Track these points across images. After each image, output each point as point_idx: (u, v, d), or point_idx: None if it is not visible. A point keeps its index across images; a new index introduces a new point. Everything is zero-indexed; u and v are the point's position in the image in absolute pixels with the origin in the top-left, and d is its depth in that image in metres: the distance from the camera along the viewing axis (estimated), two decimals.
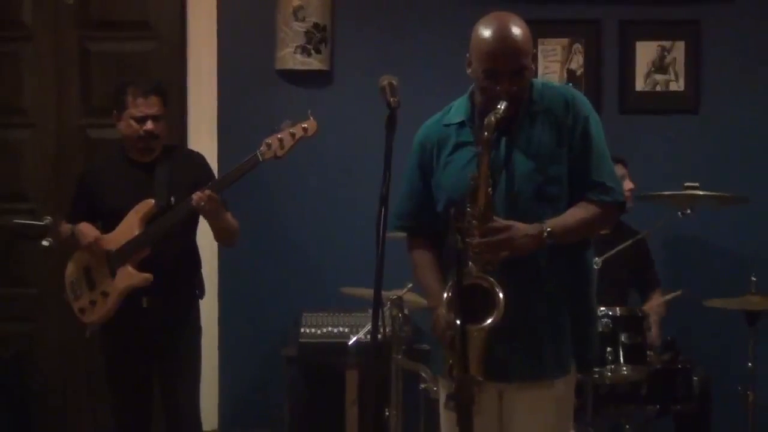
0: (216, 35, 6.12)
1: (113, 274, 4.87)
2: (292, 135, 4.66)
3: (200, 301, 5.14)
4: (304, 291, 6.05)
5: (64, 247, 5.11)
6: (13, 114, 6.21)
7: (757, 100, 6.10)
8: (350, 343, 5.41)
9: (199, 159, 5.14)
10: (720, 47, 6.10)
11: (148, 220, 4.84)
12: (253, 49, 6.14)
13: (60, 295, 5.91)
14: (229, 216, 4.93)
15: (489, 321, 3.45)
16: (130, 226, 4.85)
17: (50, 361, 6.20)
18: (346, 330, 5.64)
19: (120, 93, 4.91)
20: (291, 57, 6.04)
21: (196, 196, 4.67)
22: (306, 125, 4.68)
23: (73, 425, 6.21)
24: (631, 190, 5.46)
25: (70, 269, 5.07)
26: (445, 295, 3.51)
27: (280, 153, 4.67)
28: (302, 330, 5.72)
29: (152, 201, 4.85)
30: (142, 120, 4.86)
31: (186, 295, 5.06)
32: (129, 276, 4.82)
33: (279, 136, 4.66)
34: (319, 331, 5.70)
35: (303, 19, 6.02)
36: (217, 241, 5.08)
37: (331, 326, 5.70)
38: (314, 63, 6.06)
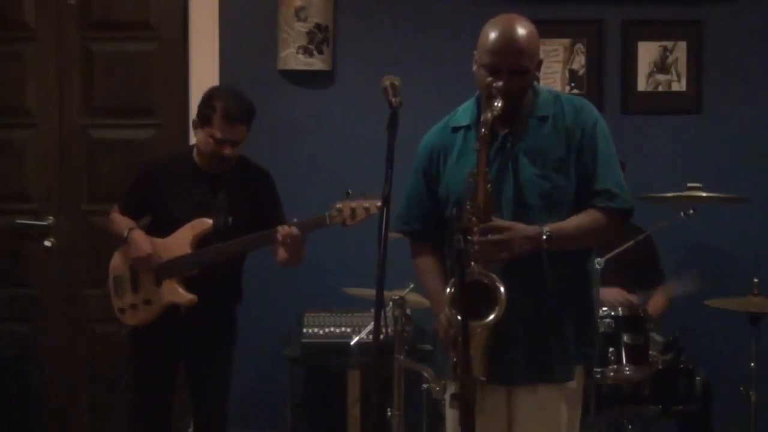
0: (218, 35, 6.11)
1: (159, 283, 4.81)
2: (366, 210, 4.54)
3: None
4: (307, 291, 6.05)
5: (113, 239, 5.00)
6: (16, 114, 6.21)
7: (760, 100, 6.09)
8: (352, 343, 5.43)
9: (264, 178, 5.00)
10: (722, 47, 6.10)
11: (201, 239, 4.76)
12: (255, 49, 6.15)
13: (60, 294, 5.94)
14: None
15: (491, 317, 3.46)
16: (182, 242, 4.77)
17: (50, 361, 6.19)
18: (349, 330, 5.64)
19: (208, 106, 4.76)
20: (293, 57, 6.05)
21: (283, 230, 4.63)
22: (380, 203, 4.58)
23: (73, 425, 6.21)
24: None
25: (116, 262, 4.97)
26: (448, 290, 3.51)
27: (349, 222, 4.57)
28: (305, 330, 5.72)
29: (210, 222, 4.76)
30: (221, 142, 4.72)
31: (226, 307, 5.02)
32: (175, 293, 4.77)
33: (352, 205, 4.55)
34: (321, 332, 5.70)
35: (305, 20, 6.02)
36: (280, 264, 4.94)
37: (334, 326, 5.71)
38: (316, 63, 6.06)
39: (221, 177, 4.84)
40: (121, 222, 4.94)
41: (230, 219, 4.79)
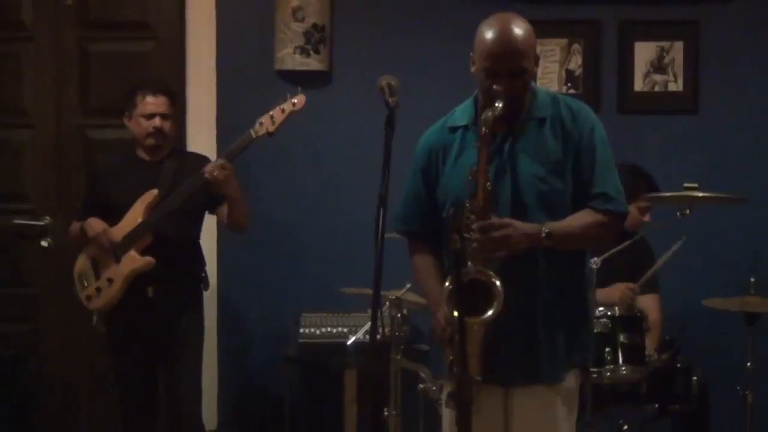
0: (215, 36, 6.12)
1: (118, 261, 5.02)
2: (282, 110, 4.86)
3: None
4: (304, 291, 6.05)
5: (75, 244, 5.26)
6: (13, 114, 6.22)
7: (756, 100, 6.10)
8: (349, 343, 5.43)
9: (206, 162, 5.21)
10: (718, 48, 6.10)
11: (152, 209, 5.01)
12: (252, 49, 6.15)
13: (60, 294, 5.94)
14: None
15: (489, 313, 3.47)
16: (135, 215, 5.03)
17: (50, 361, 6.21)
18: (345, 330, 5.64)
19: (130, 94, 5.15)
20: (290, 57, 6.05)
21: (208, 167, 4.87)
22: (295, 100, 4.87)
23: (73, 425, 6.22)
24: (645, 222, 5.47)
25: (79, 262, 5.22)
26: (446, 284, 3.51)
27: (271, 129, 4.86)
28: (301, 330, 5.72)
29: (156, 191, 5.03)
30: (150, 117, 5.09)
31: (191, 287, 5.22)
32: (132, 260, 4.99)
33: (270, 113, 4.86)
34: (318, 332, 5.70)
35: (302, 20, 6.02)
36: (228, 225, 5.19)
37: (330, 326, 5.71)
38: (313, 63, 6.06)
39: (162, 163, 5.15)
40: (76, 224, 5.26)
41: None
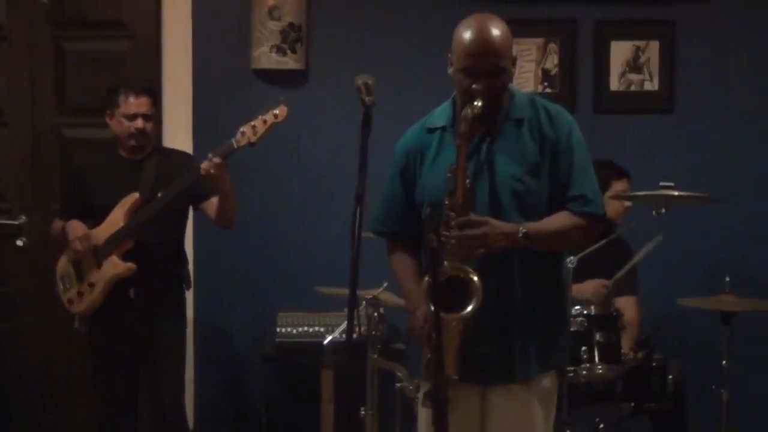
0: (191, 34, 6.11)
1: (100, 266, 5.00)
2: (264, 121, 4.77)
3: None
4: (280, 290, 6.05)
5: (57, 243, 5.22)
6: None
7: (731, 99, 6.13)
8: (326, 342, 5.42)
9: (187, 159, 5.27)
10: (694, 47, 6.13)
11: (133, 213, 4.99)
12: (229, 48, 6.14)
13: (35, 294, 5.92)
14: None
15: (468, 309, 3.47)
16: (116, 219, 5.00)
17: (25, 360, 6.17)
18: (322, 329, 5.64)
19: (113, 93, 5.13)
20: (266, 56, 6.04)
21: (204, 164, 4.80)
22: (277, 111, 4.78)
23: (49, 424, 6.19)
24: (627, 208, 5.50)
25: (61, 263, 5.18)
26: (426, 278, 3.51)
27: (253, 139, 4.78)
28: (278, 329, 5.72)
29: (137, 194, 5.00)
30: (133, 118, 5.06)
31: (173, 288, 5.23)
32: (114, 266, 4.97)
33: (252, 123, 4.77)
34: (294, 331, 5.70)
35: (278, 19, 6.02)
36: (217, 221, 5.15)
37: (307, 326, 5.71)
38: (290, 62, 6.06)
39: (144, 162, 5.13)
40: (59, 223, 5.21)
41: (159, 194, 4.99)
